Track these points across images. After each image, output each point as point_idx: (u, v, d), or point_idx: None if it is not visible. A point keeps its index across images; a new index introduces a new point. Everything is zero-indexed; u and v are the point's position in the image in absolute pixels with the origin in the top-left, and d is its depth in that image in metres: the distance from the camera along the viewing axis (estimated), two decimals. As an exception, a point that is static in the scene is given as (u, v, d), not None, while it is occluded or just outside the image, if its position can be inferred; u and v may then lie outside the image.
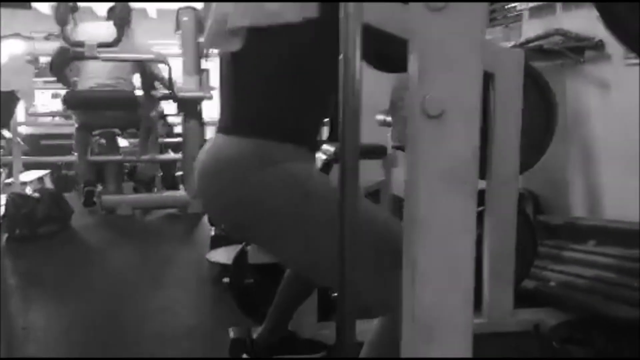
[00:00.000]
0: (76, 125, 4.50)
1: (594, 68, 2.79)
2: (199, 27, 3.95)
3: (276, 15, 1.27)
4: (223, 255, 2.69)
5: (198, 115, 4.25)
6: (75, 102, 4.28)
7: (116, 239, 3.95)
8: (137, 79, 4.45)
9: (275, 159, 1.29)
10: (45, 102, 7.71)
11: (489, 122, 2.03)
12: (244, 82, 1.37)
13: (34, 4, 5.77)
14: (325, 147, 3.08)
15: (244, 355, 1.90)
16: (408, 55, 0.89)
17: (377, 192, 3.36)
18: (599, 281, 2.26)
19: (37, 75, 7.39)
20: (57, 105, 5.47)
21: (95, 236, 3.98)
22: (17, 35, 4.50)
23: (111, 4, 4.15)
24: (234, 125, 1.37)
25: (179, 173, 5.04)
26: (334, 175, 3.70)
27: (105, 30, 3.92)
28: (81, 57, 3.85)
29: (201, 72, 4.18)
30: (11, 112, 4.50)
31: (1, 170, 4.82)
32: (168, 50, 4.42)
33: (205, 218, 3.39)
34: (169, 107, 4.97)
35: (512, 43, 3.08)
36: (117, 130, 4.72)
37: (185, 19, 4.11)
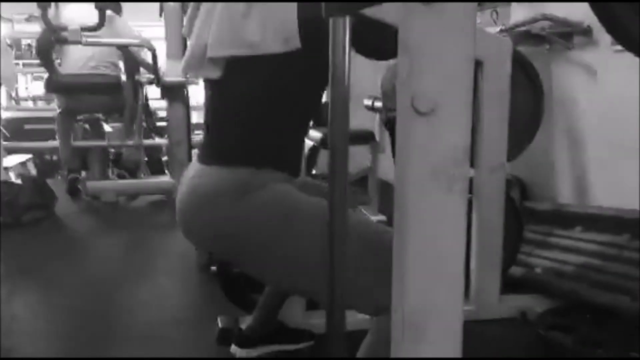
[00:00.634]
0: (58, 110, 4.43)
1: (581, 54, 2.79)
2: (184, 10, 3.89)
3: (257, 47, 1.24)
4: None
5: (184, 99, 4.20)
6: (57, 86, 4.21)
7: (101, 226, 3.91)
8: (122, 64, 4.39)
9: (254, 186, 1.26)
10: (27, 85, 7.62)
11: (477, 110, 2.02)
12: (223, 109, 1.35)
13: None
14: (311, 132, 3.06)
15: (232, 345, 1.89)
16: (398, 49, 0.87)
17: (364, 178, 3.36)
18: (585, 268, 2.27)
19: (18, 57, 7.30)
20: (40, 88, 5.38)
21: (80, 223, 3.94)
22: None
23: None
24: (213, 153, 1.35)
25: (165, 158, 5.00)
26: (322, 161, 3.69)
27: (89, 13, 3.84)
28: (64, 41, 3.78)
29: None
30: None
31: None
32: (153, 33, 4.34)
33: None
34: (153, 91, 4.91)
35: (500, 27, 3.07)
36: (101, 115, 4.66)
37: (169, 3, 4.04)
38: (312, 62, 1.23)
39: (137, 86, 4.31)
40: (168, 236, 3.45)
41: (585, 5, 1.08)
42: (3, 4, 5.30)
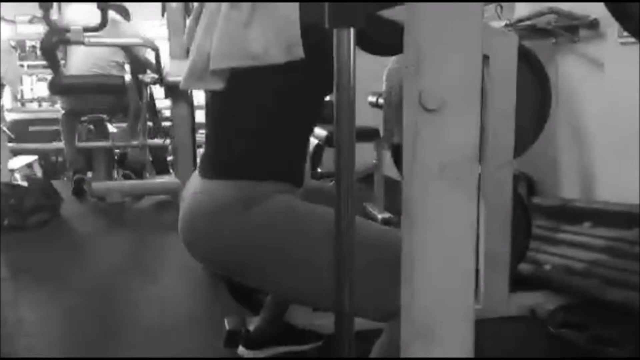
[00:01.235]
0: (62, 112, 4.42)
1: (587, 47, 2.76)
2: (187, 11, 3.88)
3: (260, 58, 1.21)
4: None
5: (188, 99, 4.18)
6: (60, 87, 4.20)
7: (107, 227, 3.90)
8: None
9: (258, 199, 1.24)
10: (32, 86, 7.64)
11: (483, 105, 2.00)
12: (224, 120, 1.32)
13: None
14: (316, 130, 3.04)
15: (240, 347, 1.88)
16: (404, 43, 0.85)
17: (370, 176, 3.34)
18: (595, 264, 2.25)
19: (23, 59, 7.32)
20: (44, 89, 5.39)
21: (86, 225, 3.93)
22: (-1, 19, 4.40)
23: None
24: (214, 166, 1.32)
25: (170, 158, 4.98)
26: (327, 158, 3.66)
27: (92, 14, 3.83)
28: (66, 42, 3.77)
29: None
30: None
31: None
32: (156, 33, 4.33)
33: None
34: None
35: (505, 22, 3.04)
36: (105, 116, 4.65)
37: (171, 3, 4.03)
38: (316, 71, 1.21)
39: (141, 86, 4.30)
40: (174, 236, 3.42)
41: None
42: (5, 6, 5.29)
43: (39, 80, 7.45)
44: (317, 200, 1.31)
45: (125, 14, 4.40)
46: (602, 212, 2.51)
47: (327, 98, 1.45)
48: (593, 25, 2.67)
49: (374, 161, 3.34)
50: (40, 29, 4.13)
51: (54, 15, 3.88)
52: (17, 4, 5.93)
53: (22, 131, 5.53)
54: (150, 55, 4.09)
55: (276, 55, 1.21)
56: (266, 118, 1.28)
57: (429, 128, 0.83)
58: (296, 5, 1.22)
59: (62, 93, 4.30)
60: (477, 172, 0.88)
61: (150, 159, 4.90)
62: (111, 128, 4.56)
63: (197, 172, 1.37)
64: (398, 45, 0.86)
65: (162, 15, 4.03)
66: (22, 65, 7.10)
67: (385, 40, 1.34)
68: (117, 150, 4.71)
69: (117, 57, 4.28)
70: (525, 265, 2.36)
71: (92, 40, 3.72)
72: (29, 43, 7.48)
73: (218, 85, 1.28)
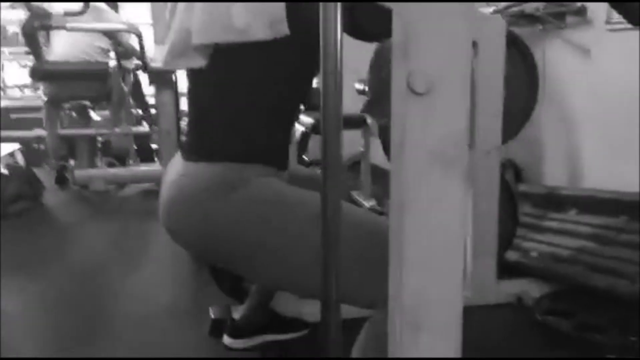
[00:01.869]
0: (45, 98, 4.36)
1: (575, 33, 2.75)
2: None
3: (244, 33, 1.17)
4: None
5: (172, 85, 4.13)
6: (41, 73, 4.13)
7: (90, 215, 3.86)
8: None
9: (242, 182, 1.20)
10: (13, 73, 7.51)
11: (471, 91, 1.98)
12: (207, 101, 1.28)
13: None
14: (302, 118, 3.01)
15: (225, 336, 1.86)
16: (392, 25, 0.82)
17: (357, 163, 3.31)
18: (581, 251, 2.25)
19: (5, 45, 7.19)
20: (26, 76, 5.31)
21: (68, 214, 3.89)
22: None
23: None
24: (197, 149, 1.28)
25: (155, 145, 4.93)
26: (313, 146, 3.63)
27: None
28: (48, 27, 3.70)
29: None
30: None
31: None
32: (140, 19, 4.28)
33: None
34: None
35: (493, 7, 3.02)
36: (88, 103, 4.59)
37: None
38: (301, 50, 1.18)
39: (125, 72, 4.24)
40: (158, 225, 3.40)
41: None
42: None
43: (22, 67, 7.33)
44: (303, 186, 1.29)
45: (114, 8, 4.34)
46: (588, 199, 2.51)
47: (315, 85, 1.42)
48: (580, 11, 2.67)
49: (361, 149, 3.32)
50: (22, 14, 4.05)
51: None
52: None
53: (3, 119, 5.45)
54: (134, 42, 4.03)
55: (259, 32, 1.17)
56: (249, 98, 1.24)
57: (417, 112, 0.81)
58: None
59: (44, 79, 4.23)
60: (467, 157, 0.86)
61: (135, 146, 4.84)
62: (94, 115, 4.49)
63: (178, 156, 1.34)
64: (386, 30, 0.83)
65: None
66: (3, 52, 6.99)
67: (372, 26, 1.31)
68: (100, 138, 4.65)
69: (101, 42, 4.21)
70: (512, 253, 2.36)
71: (74, 25, 3.66)
72: (10, 29, 7.36)
73: (200, 62, 1.24)
